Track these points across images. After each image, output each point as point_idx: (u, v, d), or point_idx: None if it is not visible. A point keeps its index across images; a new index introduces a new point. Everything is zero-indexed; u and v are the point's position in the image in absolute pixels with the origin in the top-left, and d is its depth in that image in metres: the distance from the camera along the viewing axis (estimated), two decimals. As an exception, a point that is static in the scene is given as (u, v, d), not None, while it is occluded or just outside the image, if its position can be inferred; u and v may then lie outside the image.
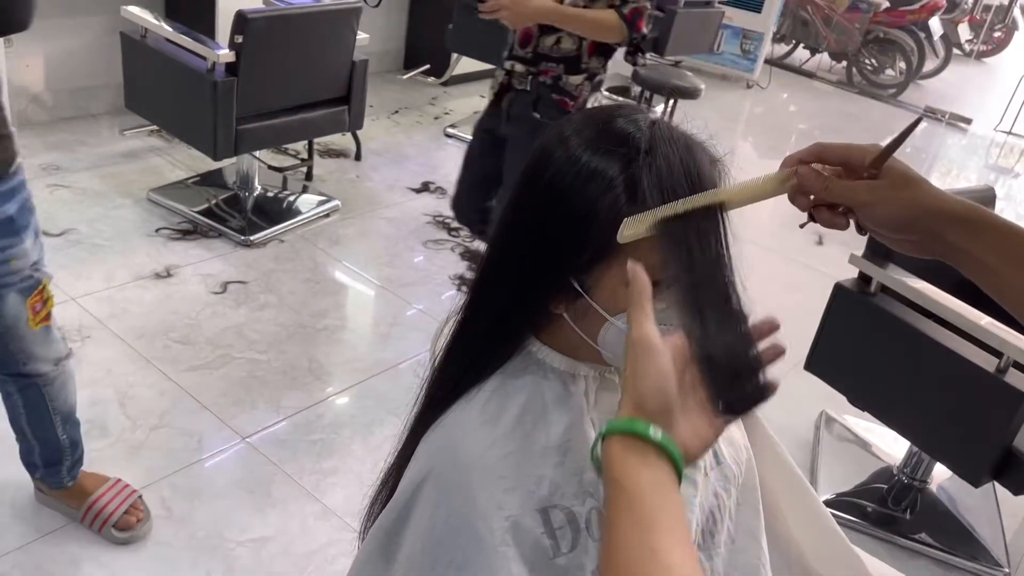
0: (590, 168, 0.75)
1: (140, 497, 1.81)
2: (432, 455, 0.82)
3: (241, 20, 2.53)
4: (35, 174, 3.11)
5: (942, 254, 0.73)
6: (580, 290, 0.78)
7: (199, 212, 3.03)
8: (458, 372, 0.86)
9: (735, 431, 0.96)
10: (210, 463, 2.01)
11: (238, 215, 3.08)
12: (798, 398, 2.71)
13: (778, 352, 0.70)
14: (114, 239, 2.81)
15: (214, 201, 3.13)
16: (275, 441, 2.11)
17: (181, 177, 3.27)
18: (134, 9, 2.79)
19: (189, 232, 2.94)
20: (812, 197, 0.75)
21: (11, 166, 1.40)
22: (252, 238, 2.94)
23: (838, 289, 2.04)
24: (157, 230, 2.91)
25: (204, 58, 2.61)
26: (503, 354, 0.84)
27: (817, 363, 2.14)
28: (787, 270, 3.38)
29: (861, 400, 2.12)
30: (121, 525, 1.76)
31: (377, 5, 4.16)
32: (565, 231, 0.76)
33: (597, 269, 0.77)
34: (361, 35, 2.94)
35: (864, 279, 2.00)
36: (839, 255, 2.26)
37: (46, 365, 1.62)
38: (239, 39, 2.55)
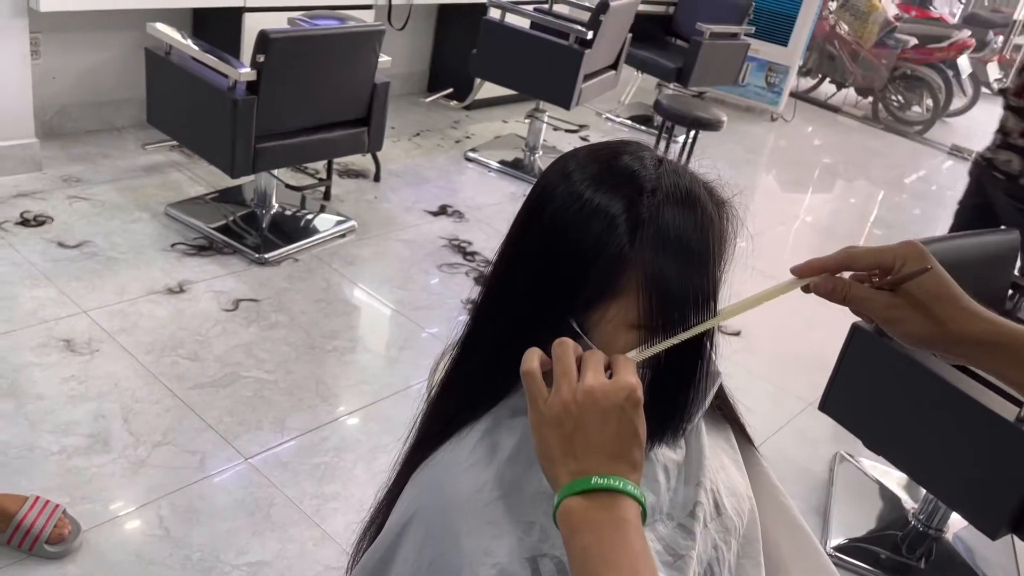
0: (593, 205, 0.73)
1: (64, 511, 1.78)
2: (419, 495, 0.79)
3: (263, 39, 2.54)
4: (56, 185, 3.14)
5: (976, 367, 0.74)
6: (579, 331, 0.75)
7: (216, 228, 3.03)
8: (451, 410, 0.83)
9: (738, 480, 0.92)
10: (211, 483, 1.99)
11: (254, 232, 3.08)
12: (814, 438, 2.65)
13: None
14: (129, 253, 2.82)
15: (231, 218, 3.14)
16: (278, 463, 2.09)
17: (200, 193, 3.29)
18: (159, 26, 2.81)
19: (204, 248, 2.94)
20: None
21: None
22: (267, 256, 2.94)
23: (855, 330, 2.00)
24: (173, 245, 2.91)
25: (225, 76, 2.63)
26: (498, 393, 0.82)
27: (832, 404, 2.09)
28: (812, 306, 3.32)
29: (876, 444, 2.06)
30: (53, 539, 1.73)
31: (402, 28, 4.18)
32: (564, 269, 0.74)
33: (596, 311, 0.74)
34: (383, 57, 2.95)
35: (882, 320, 1.95)
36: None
37: None
38: (261, 58, 2.56)
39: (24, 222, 2.86)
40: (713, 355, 0.78)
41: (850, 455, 2.56)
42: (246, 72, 2.58)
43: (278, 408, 2.27)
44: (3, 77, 2.99)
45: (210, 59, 2.67)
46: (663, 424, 0.78)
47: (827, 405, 2.10)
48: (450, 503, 0.76)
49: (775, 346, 3.13)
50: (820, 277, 0.73)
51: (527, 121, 4.34)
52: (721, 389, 0.96)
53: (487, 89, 4.57)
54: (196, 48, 2.72)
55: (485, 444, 0.79)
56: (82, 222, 2.94)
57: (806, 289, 0.74)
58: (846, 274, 0.74)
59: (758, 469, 0.98)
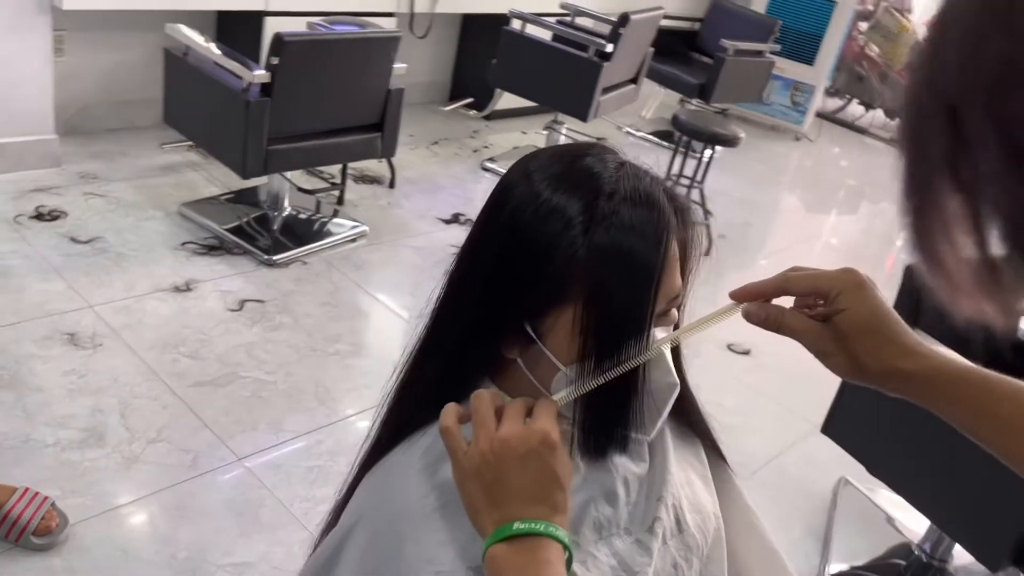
0: (550, 205, 0.71)
1: (53, 504, 1.78)
2: (366, 499, 0.78)
3: (277, 42, 2.56)
4: (73, 181, 3.17)
5: (911, 400, 0.69)
6: (533, 335, 0.74)
7: (228, 229, 3.05)
8: (405, 413, 0.82)
9: (704, 497, 0.89)
10: (202, 482, 1.99)
11: (266, 234, 3.09)
12: (819, 461, 2.60)
13: None
14: (140, 250, 2.84)
15: (245, 219, 3.15)
16: (271, 465, 2.08)
17: (215, 193, 3.31)
18: (177, 26, 2.84)
19: (215, 248, 2.95)
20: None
21: None
22: (275, 258, 2.95)
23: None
24: (183, 244, 2.93)
25: (240, 77, 2.64)
26: (453, 397, 0.80)
27: (835, 427, 2.05)
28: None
29: (878, 470, 2.02)
30: (40, 531, 1.73)
31: (424, 36, 4.20)
32: (519, 269, 0.72)
33: (551, 314, 0.72)
34: (399, 64, 2.95)
35: (887, 343, 1.91)
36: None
37: None
38: (275, 61, 2.57)
39: (39, 216, 2.89)
40: (671, 366, 0.76)
41: (855, 480, 2.50)
42: (260, 74, 2.59)
43: (276, 409, 2.27)
44: (25, 73, 3.03)
45: (225, 60, 2.69)
46: (606, 435, 0.76)
47: (829, 428, 2.06)
48: (395, 508, 0.75)
49: (785, 365, 3.08)
50: (755, 304, 0.71)
51: (545, 132, 4.33)
52: (693, 403, 0.93)
53: (507, 100, 4.57)
54: (212, 49, 2.75)
55: (436, 449, 0.77)
56: (96, 218, 2.97)
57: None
58: (789, 300, 0.72)
59: (729, 487, 0.95)
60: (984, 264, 0.27)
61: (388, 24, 3.84)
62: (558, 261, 0.70)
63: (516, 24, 3.91)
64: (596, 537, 0.80)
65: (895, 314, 0.67)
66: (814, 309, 0.70)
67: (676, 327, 0.79)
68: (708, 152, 3.80)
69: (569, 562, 0.66)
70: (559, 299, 0.71)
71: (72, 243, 2.79)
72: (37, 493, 1.77)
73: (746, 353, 3.06)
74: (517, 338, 0.75)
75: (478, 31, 4.73)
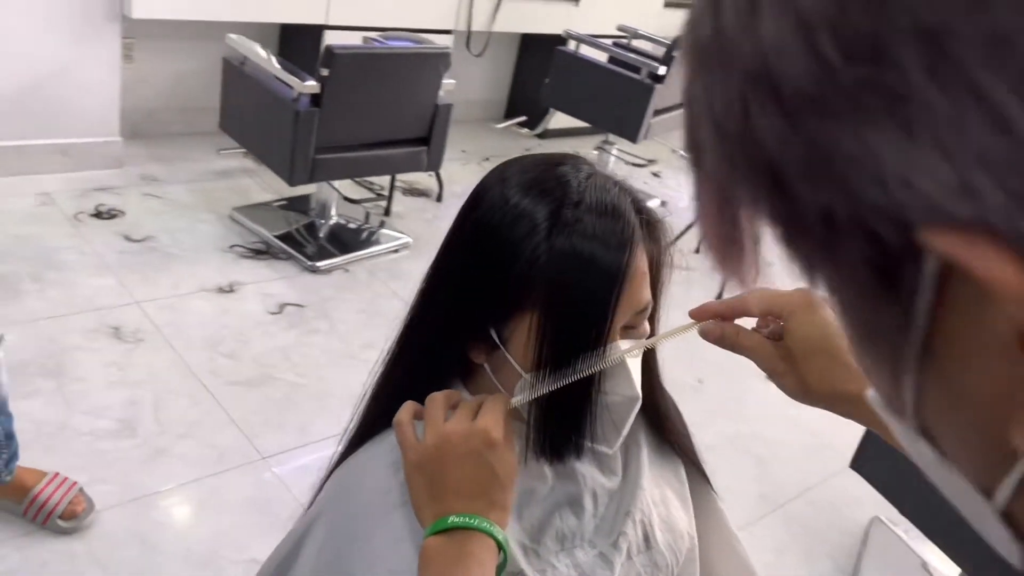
0: (518, 210, 0.72)
1: (81, 489, 1.83)
2: (328, 494, 0.79)
3: (328, 54, 2.62)
4: (133, 182, 3.29)
5: (864, 424, 0.67)
6: (497, 340, 0.74)
7: (277, 235, 3.12)
8: (376, 411, 0.83)
9: (679, 516, 0.88)
10: (225, 478, 2.03)
11: (312, 241, 3.16)
12: (853, 497, 2.53)
13: None
14: (189, 250, 2.93)
15: (295, 226, 3.23)
16: (294, 465, 2.12)
17: (267, 199, 3.40)
18: (237, 37, 2.93)
19: (261, 252, 3.03)
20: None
21: None
22: (319, 264, 3.01)
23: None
24: (231, 247, 3.01)
25: (291, 87, 2.72)
26: (420, 398, 0.81)
27: (864, 463, 1.99)
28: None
29: (910, 511, 1.95)
30: (66, 515, 1.78)
31: (480, 54, 4.25)
32: (484, 271, 0.73)
33: (513, 319, 0.73)
34: (448, 80, 2.99)
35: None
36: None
37: None
38: (325, 72, 2.64)
39: (97, 214, 3.01)
40: (634, 380, 0.75)
41: (888, 520, 2.42)
42: (310, 85, 2.66)
43: (304, 412, 2.31)
44: (95, 78, 3.17)
45: (279, 71, 2.76)
46: (560, 439, 0.76)
47: (859, 464, 2.00)
48: (354, 504, 0.76)
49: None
50: (712, 322, 0.70)
51: (596, 152, 4.33)
52: (674, 421, 0.92)
53: (560, 119, 4.58)
54: (267, 59, 2.83)
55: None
56: (151, 218, 3.07)
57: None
58: (750, 321, 0.71)
59: (711, 508, 0.94)
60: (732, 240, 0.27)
61: (445, 41, 3.90)
62: (520, 265, 0.70)
63: (570, 44, 3.93)
64: (558, 548, 0.80)
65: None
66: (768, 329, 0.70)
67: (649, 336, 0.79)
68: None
69: (503, 561, 0.67)
70: (520, 304, 0.71)
71: (126, 241, 2.90)
72: (66, 479, 1.84)
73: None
74: (483, 343, 0.75)
75: (536, 51, 4.76)
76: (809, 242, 0.25)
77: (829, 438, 2.80)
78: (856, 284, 0.25)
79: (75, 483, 1.84)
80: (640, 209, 0.73)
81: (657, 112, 3.84)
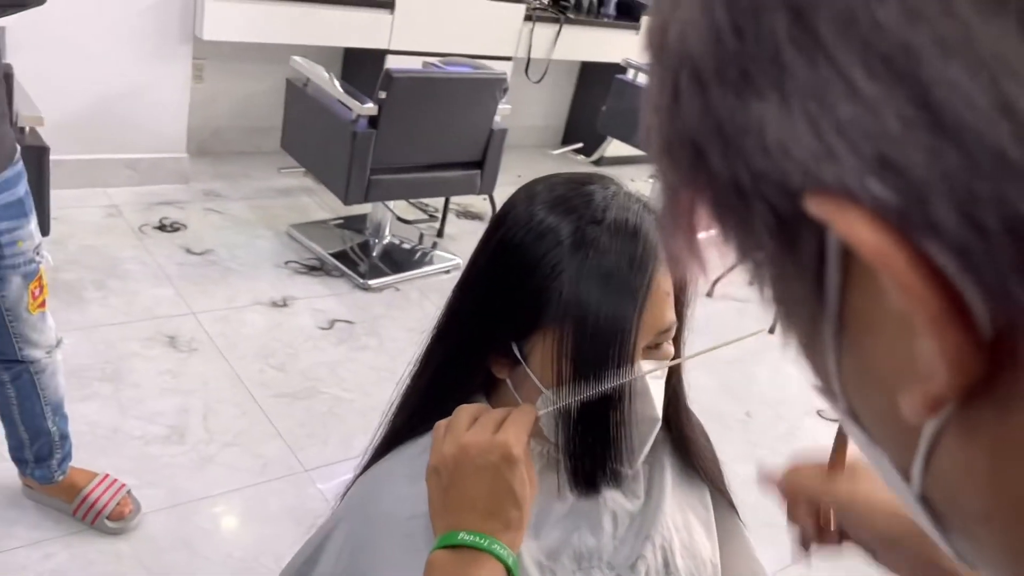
0: (542, 227, 0.73)
1: (129, 491, 1.88)
2: (348, 502, 0.81)
3: (387, 78, 2.69)
4: (197, 198, 3.40)
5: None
6: (518, 355, 0.75)
7: (332, 253, 3.19)
8: (399, 423, 0.84)
9: (703, 543, 0.87)
10: (267, 488, 2.07)
11: (365, 260, 3.22)
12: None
13: None
14: (246, 265, 3.00)
15: (349, 244, 3.29)
16: (335, 479, 2.14)
17: (323, 218, 3.47)
18: (301, 59, 3.02)
19: (315, 268, 3.09)
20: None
21: (17, 152, 1.52)
22: (370, 282, 3.06)
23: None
24: (286, 262, 3.08)
25: (350, 109, 2.79)
26: (443, 411, 0.82)
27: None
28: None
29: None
30: (114, 516, 1.83)
31: (539, 81, 4.29)
32: (507, 286, 0.74)
33: (535, 334, 0.73)
34: (503, 105, 3.03)
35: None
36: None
37: (39, 352, 1.69)
38: (383, 95, 2.70)
39: (161, 227, 3.11)
40: (655, 401, 0.75)
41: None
42: (368, 107, 2.73)
43: (348, 427, 2.34)
44: (165, 97, 3.29)
45: (340, 93, 2.84)
46: (598, 467, 0.76)
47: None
48: (373, 512, 0.77)
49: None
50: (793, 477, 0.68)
51: (651, 181, 4.32)
52: (701, 446, 0.91)
53: (616, 147, 4.60)
54: (329, 81, 2.91)
55: (422, 460, 0.79)
56: (211, 232, 3.17)
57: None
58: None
59: (738, 537, 0.92)
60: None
61: (505, 67, 3.96)
62: (541, 281, 0.71)
63: (629, 73, 3.94)
64: (575, 567, 0.80)
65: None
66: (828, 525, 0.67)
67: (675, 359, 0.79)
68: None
69: None
70: (541, 320, 0.72)
71: (187, 254, 2.99)
72: (115, 480, 1.89)
73: (836, 421, 2.92)
74: (505, 358, 0.76)
75: (594, 79, 4.79)
76: (729, 217, 0.25)
77: (880, 478, 2.72)
78: (769, 258, 0.25)
79: (124, 485, 1.90)
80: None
81: (713, 142, 3.81)
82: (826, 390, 0.28)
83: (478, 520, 0.66)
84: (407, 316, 2.95)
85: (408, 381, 0.86)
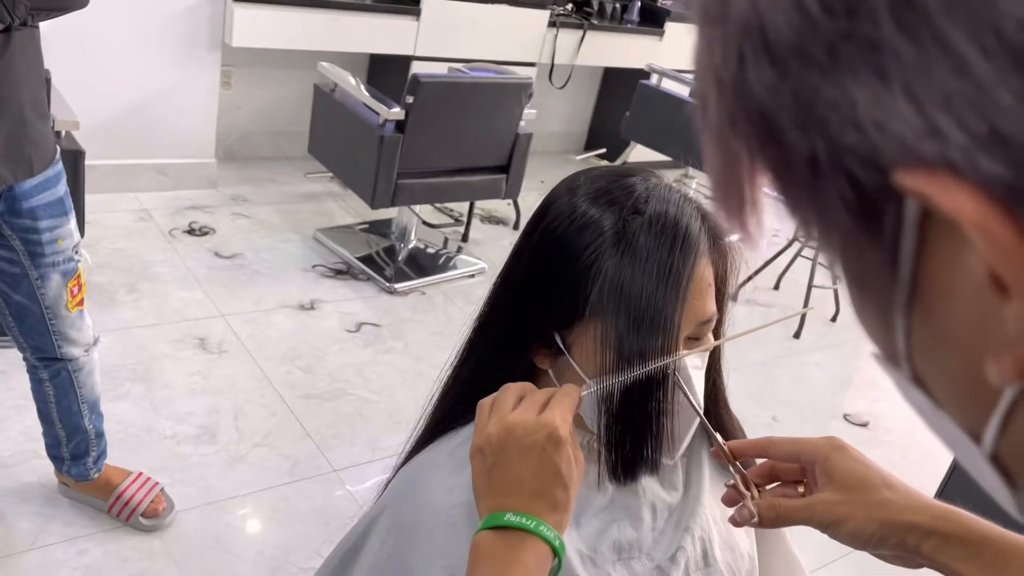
0: (584, 218, 0.74)
1: (163, 490, 1.90)
2: (392, 491, 0.82)
3: (414, 83, 2.71)
4: (225, 202, 3.44)
5: (928, 566, 0.64)
6: (561, 346, 0.76)
7: (358, 257, 3.21)
8: (441, 413, 0.85)
9: (740, 537, 0.87)
10: (296, 487, 2.09)
11: (391, 263, 3.24)
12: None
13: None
14: (273, 268, 3.03)
15: (375, 249, 3.32)
16: (362, 478, 2.16)
17: (349, 222, 3.50)
18: (328, 65, 3.06)
19: (341, 272, 3.12)
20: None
21: (57, 153, 1.56)
22: (396, 286, 3.08)
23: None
24: (313, 266, 3.11)
25: (378, 114, 2.81)
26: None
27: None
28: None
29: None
30: (148, 513, 1.85)
31: (562, 87, 4.31)
32: (549, 277, 0.75)
33: (577, 325, 0.74)
34: (529, 110, 3.05)
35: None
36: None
37: (78, 350, 1.71)
38: (410, 100, 2.72)
39: (191, 231, 3.15)
40: (698, 391, 0.75)
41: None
42: (395, 112, 2.75)
43: (375, 427, 2.35)
44: (194, 102, 3.34)
45: (367, 97, 2.87)
46: (637, 456, 0.76)
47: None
48: (416, 501, 0.78)
49: (900, 441, 2.90)
50: (768, 504, 0.69)
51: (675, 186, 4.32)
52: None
53: (640, 152, 4.59)
54: (356, 86, 2.94)
55: (464, 449, 0.80)
56: (239, 236, 3.20)
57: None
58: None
59: (776, 533, 0.93)
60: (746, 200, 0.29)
61: (529, 74, 3.97)
62: (584, 272, 0.72)
63: (653, 79, 3.95)
64: (615, 557, 0.80)
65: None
66: (796, 487, 0.70)
67: (714, 351, 0.79)
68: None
69: (558, 566, 0.65)
70: (583, 310, 0.73)
71: (215, 257, 3.02)
72: (149, 478, 1.92)
73: (864, 425, 2.90)
74: (548, 349, 0.77)
75: (618, 84, 4.80)
76: (800, 190, 0.26)
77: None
78: (843, 231, 0.26)
79: (157, 483, 1.92)
80: (708, 224, 0.74)
81: (738, 146, 3.81)
82: (890, 357, 0.29)
83: (524, 501, 0.64)
84: (432, 320, 2.96)
85: (449, 372, 0.87)
